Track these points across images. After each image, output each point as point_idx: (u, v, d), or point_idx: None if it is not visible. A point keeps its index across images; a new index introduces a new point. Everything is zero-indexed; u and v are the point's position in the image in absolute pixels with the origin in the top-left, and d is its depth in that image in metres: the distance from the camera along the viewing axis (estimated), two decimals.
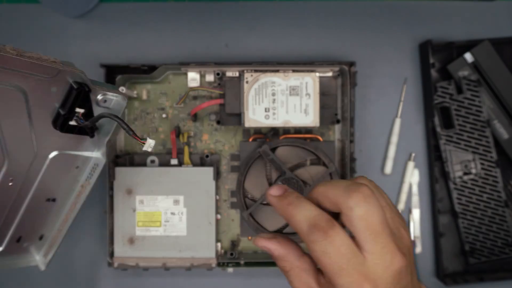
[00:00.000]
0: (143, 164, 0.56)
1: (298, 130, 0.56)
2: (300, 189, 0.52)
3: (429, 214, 0.59)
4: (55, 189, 0.40)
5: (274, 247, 0.31)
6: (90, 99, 0.36)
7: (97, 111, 0.38)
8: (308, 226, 0.28)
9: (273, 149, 0.53)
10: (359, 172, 0.58)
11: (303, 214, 0.29)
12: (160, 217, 0.54)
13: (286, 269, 0.31)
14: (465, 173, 0.56)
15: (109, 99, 0.38)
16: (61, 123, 0.36)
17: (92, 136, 0.39)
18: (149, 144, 0.37)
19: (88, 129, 0.37)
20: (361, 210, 0.27)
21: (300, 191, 0.52)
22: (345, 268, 0.27)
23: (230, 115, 0.54)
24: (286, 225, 0.54)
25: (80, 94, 0.35)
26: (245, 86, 0.52)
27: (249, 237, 0.57)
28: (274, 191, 0.31)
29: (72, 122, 0.36)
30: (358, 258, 0.27)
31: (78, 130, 0.37)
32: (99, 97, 0.37)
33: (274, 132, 0.56)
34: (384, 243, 0.27)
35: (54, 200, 0.40)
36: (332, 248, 0.27)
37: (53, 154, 0.38)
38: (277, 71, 0.52)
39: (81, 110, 0.36)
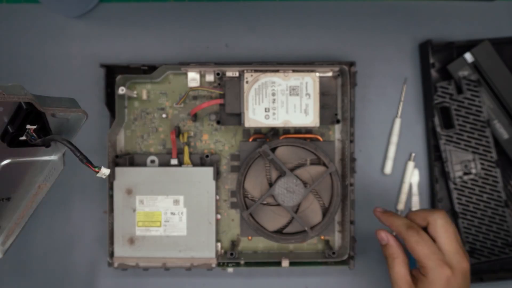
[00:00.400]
0: (143, 164, 0.56)
1: (298, 130, 0.56)
2: (299, 187, 0.52)
3: None
4: (10, 189, 0.39)
5: (392, 239, 0.46)
6: (44, 114, 0.34)
7: (53, 122, 0.36)
8: (405, 227, 0.45)
9: (273, 149, 0.53)
10: (359, 172, 0.58)
11: (401, 221, 0.46)
12: (160, 217, 0.54)
13: (394, 256, 0.45)
14: (465, 173, 0.56)
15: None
16: (9, 140, 0.34)
17: (48, 146, 0.37)
18: (103, 173, 0.35)
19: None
20: (442, 221, 0.43)
21: (300, 190, 0.52)
22: (431, 254, 0.42)
23: (230, 115, 0.54)
24: (286, 226, 0.54)
25: (30, 114, 0.33)
26: (245, 86, 0.52)
27: (249, 237, 0.57)
28: (379, 209, 0.51)
29: (23, 138, 0.34)
30: (439, 252, 0.42)
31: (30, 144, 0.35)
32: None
33: (274, 132, 0.56)
34: (456, 248, 0.43)
35: (8, 199, 0.40)
36: (422, 240, 0.43)
37: (5, 162, 0.36)
38: (277, 71, 0.52)
39: (33, 127, 0.34)
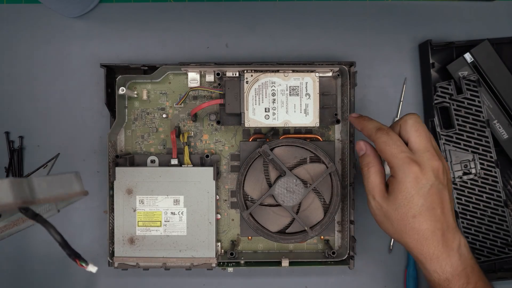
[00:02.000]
0: (143, 164, 0.56)
1: (298, 130, 0.56)
2: (299, 187, 0.52)
3: None
4: None
5: (369, 149, 0.45)
6: None
7: None
8: (375, 129, 0.43)
9: (273, 149, 0.53)
10: (359, 173, 0.58)
11: (373, 124, 0.44)
12: (160, 217, 0.54)
13: (369, 165, 0.44)
14: (465, 173, 0.56)
15: None
16: None
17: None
18: (90, 270, 0.34)
19: None
20: (412, 120, 0.42)
21: (300, 190, 0.52)
22: (399, 153, 0.41)
23: (230, 115, 0.54)
24: (288, 226, 0.54)
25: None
26: (245, 86, 0.52)
27: (249, 237, 0.57)
28: (354, 114, 0.48)
29: None
30: (407, 150, 0.41)
31: None
32: None
33: (274, 132, 0.56)
34: (427, 146, 0.41)
35: None
36: (391, 140, 0.41)
37: None
38: (277, 71, 0.52)
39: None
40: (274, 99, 0.52)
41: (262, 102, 0.52)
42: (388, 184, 0.43)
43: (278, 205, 0.53)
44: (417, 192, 0.40)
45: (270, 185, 0.54)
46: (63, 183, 0.32)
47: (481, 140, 0.56)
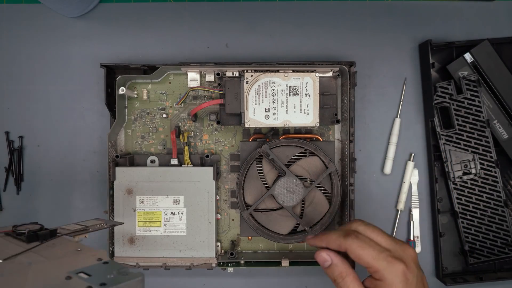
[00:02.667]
0: (143, 164, 0.56)
1: (298, 130, 0.56)
2: (299, 187, 0.52)
3: (429, 214, 0.59)
4: None
5: (335, 257, 0.40)
6: None
7: None
8: (343, 236, 0.40)
9: (272, 149, 0.53)
10: (359, 172, 0.58)
11: (336, 234, 0.41)
12: (160, 217, 0.54)
13: (343, 275, 0.40)
14: (465, 173, 0.56)
15: None
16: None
17: None
18: None
19: None
20: (363, 225, 0.41)
21: (300, 190, 0.52)
22: (379, 254, 0.38)
23: (230, 115, 0.54)
24: (298, 225, 0.54)
25: None
26: (245, 86, 0.52)
27: (249, 237, 0.57)
28: (309, 236, 0.44)
29: None
30: (385, 249, 0.39)
31: None
32: None
33: (274, 132, 0.56)
34: (394, 240, 0.40)
35: None
36: (365, 243, 0.39)
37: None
38: (277, 71, 0.52)
39: None
40: (274, 99, 0.52)
41: (262, 102, 0.52)
42: (369, 287, 0.40)
43: (281, 207, 0.53)
44: None
45: (267, 189, 0.54)
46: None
47: (481, 140, 0.56)
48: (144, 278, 0.30)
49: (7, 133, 0.59)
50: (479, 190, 0.56)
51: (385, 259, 0.38)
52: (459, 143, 0.56)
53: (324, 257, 0.41)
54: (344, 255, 0.40)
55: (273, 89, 0.52)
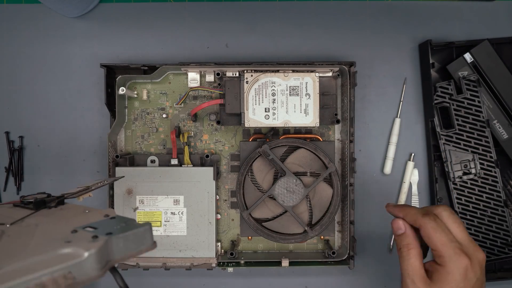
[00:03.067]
0: (143, 164, 0.56)
1: (298, 130, 0.56)
2: (299, 187, 0.52)
3: None
4: None
5: (409, 228, 0.42)
6: None
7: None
8: (421, 214, 0.41)
9: (272, 149, 0.53)
10: (359, 172, 0.58)
11: (416, 209, 0.43)
12: (160, 217, 0.54)
13: (410, 246, 0.42)
14: (465, 173, 0.56)
15: None
16: None
17: None
18: None
19: None
20: (448, 212, 0.41)
21: (300, 190, 0.52)
22: (449, 242, 0.39)
23: (230, 115, 0.54)
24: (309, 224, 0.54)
25: None
26: (245, 86, 0.52)
27: (249, 237, 0.57)
28: (391, 204, 0.46)
29: None
30: (456, 240, 0.40)
31: None
32: None
33: (274, 132, 0.56)
34: (469, 238, 0.41)
35: None
36: (440, 228, 0.40)
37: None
38: (277, 71, 0.52)
39: None
40: (274, 99, 0.52)
41: (262, 102, 0.52)
42: (428, 270, 0.41)
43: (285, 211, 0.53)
44: (465, 286, 0.39)
45: (268, 188, 0.54)
46: (137, 239, 0.30)
47: (481, 140, 0.56)
48: (151, 227, 0.31)
49: (7, 133, 0.59)
50: (479, 190, 0.56)
51: (453, 249, 0.39)
52: (459, 143, 0.56)
53: (400, 225, 0.43)
54: (417, 232, 0.42)
55: (273, 89, 0.52)
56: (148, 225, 0.30)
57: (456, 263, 0.39)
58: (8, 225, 0.32)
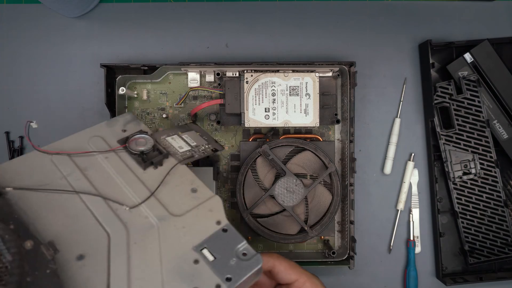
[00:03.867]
0: None
1: (298, 130, 0.56)
2: (299, 187, 0.52)
3: (429, 214, 0.59)
4: None
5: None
6: None
7: None
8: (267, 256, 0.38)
9: (272, 149, 0.53)
10: (359, 172, 0.58)
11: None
12: None
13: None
14: (465, 173, 0.56)
15: None
16: None
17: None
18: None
19: None
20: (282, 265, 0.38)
21: (300, 190, 0.52)
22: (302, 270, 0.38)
23: (230, 115, 0.54)
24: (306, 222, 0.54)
25: None
26: (245, 86, 0.52)
27: (249, 237, 0.57)
28: None
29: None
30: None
31: None
32: None
33: (274, 132, 0.56)
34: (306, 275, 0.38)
35: None
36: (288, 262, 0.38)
37: None
38: (277, 71, 0.52)
39: None
40: (274, 99, 0.52)
41: (262, 102, 0.52)
42: None
43: (283, 209, 0.53)
44: None
45: (268, 187, 0.54)
46: (251, 278, 0.32)
47: (481, 140, 0.56)
48: (261, 261, 0.32)
49: (7, 133, 0.59)
50: (479, 190, 0.56)
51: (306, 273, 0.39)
52: (459, 143, 0.56)
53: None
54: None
55: (273, 89, 0.52)
56: (259, 262, 0.32)
57: (314, 282, 0.38)
58: (127, 208, 0.34)
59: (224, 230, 0.33)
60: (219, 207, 0.35)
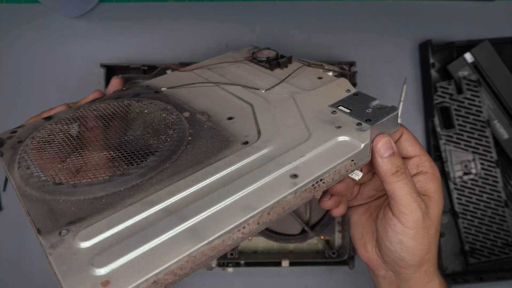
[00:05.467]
0: None
1: None
2: None
3: None
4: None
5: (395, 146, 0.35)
6: None
7: None
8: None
9: None
10: None
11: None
12: None
13: (405, 167, 0.34)
14: (465, 173, 0.56)
15: None
16: None
17: None
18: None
19: None
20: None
21: None
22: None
23: None
24: (307, 222, 0.54)
25: None
26: None
27: (249, 238, 0.57)
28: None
29: None
30: None
31: None
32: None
33: None
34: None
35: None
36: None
37: None
38: None
39: None
40: None
41: None
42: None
43: None
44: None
45: None
46: (389, 123, 0.33)
47: (481, 140, 0.56)
48: (397, 109, 0.33)
49: None
50: (479, 190, 0.56)
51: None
52: (459, 143, 0.56)
53: (389, 143, 0.32)
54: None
55: None
56: (395, 109, 0.32)
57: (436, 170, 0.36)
58: (263, 91, 0.38)
59: (356, 94, 0.35)
60: (346, 83, 0.37)
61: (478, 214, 0.56)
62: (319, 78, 0.39)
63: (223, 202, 0.26)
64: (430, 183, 0.35)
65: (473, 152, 0.56)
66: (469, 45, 0.57)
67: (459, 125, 0.56)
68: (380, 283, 0.38)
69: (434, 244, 0.35)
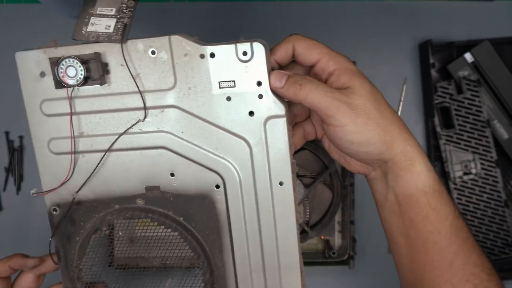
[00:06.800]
0: None
1: None
2: (299, 187, 0.52)
3: None
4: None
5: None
6: None
7: None
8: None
9: None
10: None
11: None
12: None
13: (306, 79, 0.35)
14: (465, 173, 0.56)
15: None
16: None
17: None
18: None
19: None
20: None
21: (300, 190, 0.52)
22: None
23: None
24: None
25: None
26: None
27: None
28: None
29: None
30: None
31: None
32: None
33: None
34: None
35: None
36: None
37: None
38: None
39: None
40: None
41: None
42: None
43: None
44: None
45: None
46: None
47: (481, 140, 0.56)
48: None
49: (7, 133, 0.59)
50: (479, 190, 0.56)
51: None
52: (459, 143, 0.56)
53: (277, 74, 0.35)
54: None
55: None
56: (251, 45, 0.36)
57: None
58: None
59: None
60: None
61: (478, 214, 0.56)
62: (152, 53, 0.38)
63: None
64: (341, 77, 0.34)
65: (473, 152, 0.56)
66: (469, 45, 0.57)
67: (459, 125, 0.56)
68: (376, 185, 0.37)
69: (390, 123, 0.34)
